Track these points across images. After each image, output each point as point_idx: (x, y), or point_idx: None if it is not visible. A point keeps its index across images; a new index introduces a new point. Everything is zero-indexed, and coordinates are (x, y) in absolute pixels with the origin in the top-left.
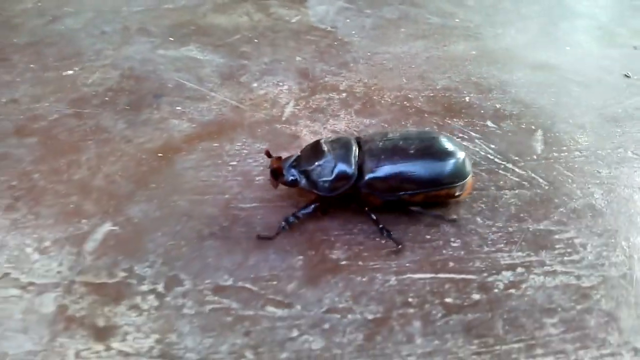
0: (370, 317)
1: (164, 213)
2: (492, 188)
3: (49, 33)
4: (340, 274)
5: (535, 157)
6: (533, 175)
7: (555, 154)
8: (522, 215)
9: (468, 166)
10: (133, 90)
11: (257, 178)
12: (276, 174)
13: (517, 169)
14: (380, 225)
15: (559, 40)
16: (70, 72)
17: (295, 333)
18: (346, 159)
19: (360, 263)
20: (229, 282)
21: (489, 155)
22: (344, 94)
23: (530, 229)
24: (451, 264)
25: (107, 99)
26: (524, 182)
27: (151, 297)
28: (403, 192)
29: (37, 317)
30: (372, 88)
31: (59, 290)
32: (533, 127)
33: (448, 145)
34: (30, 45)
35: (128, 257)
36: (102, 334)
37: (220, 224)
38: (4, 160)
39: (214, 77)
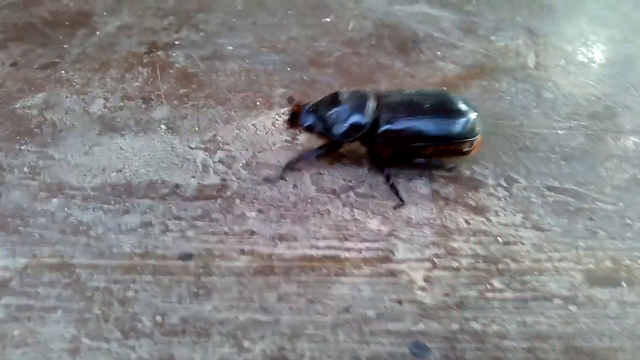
0: None
1: None
2: None
3: None
4: None
5: None
6: None
7: None
8: None
9: (478, 126)
10: (391, 37)
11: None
12: (294, 117)
13: None
14: (390, 182)
15: None
16: (329, 19)
17: (628, 221)
18: (360, 109)
19: None
20: (556, 184)
21: None
22: (579, 55)
23: None
24: None
25: (373, 42)
26: None
27: (499, 188)
28: (415, 144)
29: (418, 195)
30: (596, 48)
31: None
32: None
33: (460, 105)
34: None
35: (462, 161)
36: (478, 210)
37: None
38: (316, 84)
39: (454, 30)
